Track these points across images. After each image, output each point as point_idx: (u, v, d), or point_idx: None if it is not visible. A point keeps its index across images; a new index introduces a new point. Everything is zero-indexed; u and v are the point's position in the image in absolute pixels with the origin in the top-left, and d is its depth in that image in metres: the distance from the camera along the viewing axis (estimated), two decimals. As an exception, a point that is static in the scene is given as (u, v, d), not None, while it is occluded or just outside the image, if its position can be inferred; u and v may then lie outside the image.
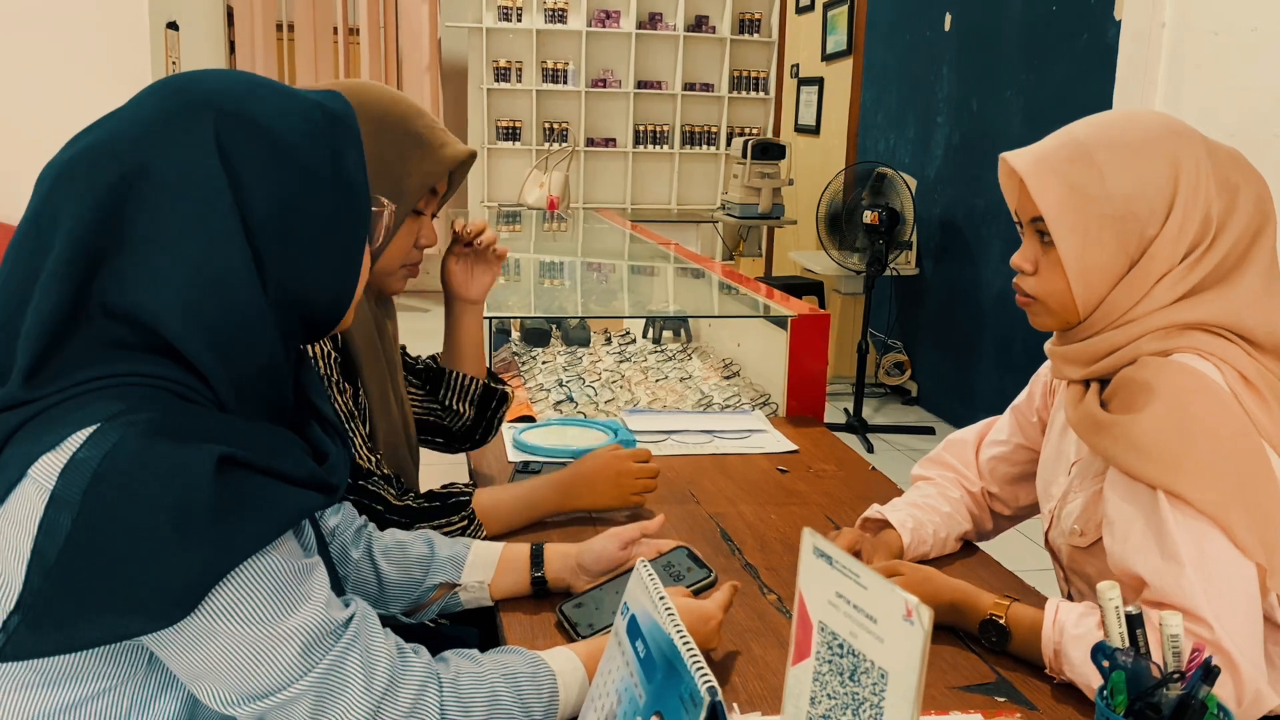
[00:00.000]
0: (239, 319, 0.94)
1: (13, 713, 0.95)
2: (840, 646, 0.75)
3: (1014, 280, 1.38)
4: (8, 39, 4.78)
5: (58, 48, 4.79)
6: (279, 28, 7.84)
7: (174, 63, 5.30)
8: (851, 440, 4.98)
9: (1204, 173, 1.26)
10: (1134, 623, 0.95)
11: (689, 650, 0.83)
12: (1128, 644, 0.94)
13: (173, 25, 5.30)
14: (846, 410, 5.27)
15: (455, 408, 1.80)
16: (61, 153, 0.96)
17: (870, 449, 4.92)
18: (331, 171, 1.01)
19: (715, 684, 0.78)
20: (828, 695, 0.76)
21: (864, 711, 0.72)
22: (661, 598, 0.91)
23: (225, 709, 0.96)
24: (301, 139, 0.99)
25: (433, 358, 1.86)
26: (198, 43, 5.86)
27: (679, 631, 0.86)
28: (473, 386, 1.81)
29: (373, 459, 1.51)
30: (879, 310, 6.00)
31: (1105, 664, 0.93)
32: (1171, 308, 1.27)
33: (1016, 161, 1.31)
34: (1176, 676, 0.90)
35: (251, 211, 0.95)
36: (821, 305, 6.21)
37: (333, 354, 1.49)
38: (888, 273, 5.35)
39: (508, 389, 1.87)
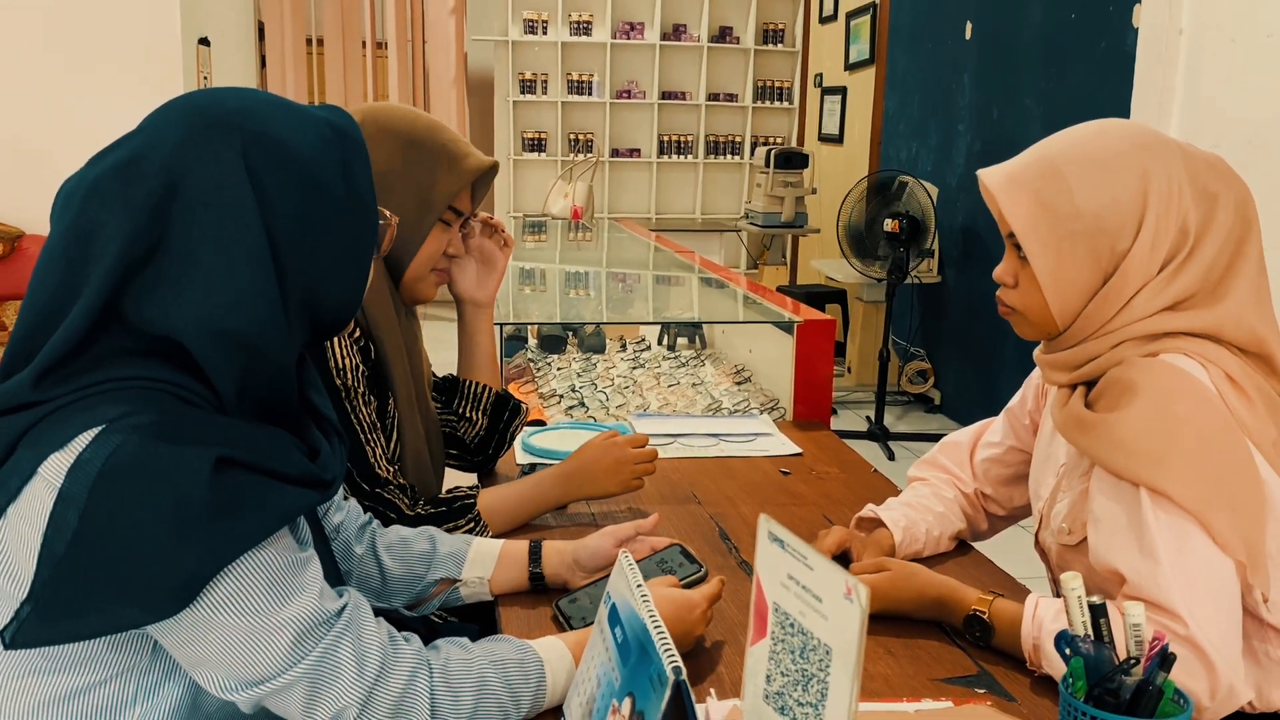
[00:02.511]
0: (258, 331, 0.99)
1: (25, 696, 1.00)
2: (791, 625, 0.78)
3: (996, 293, 1.41)
4: (44, 55, 4.89)
5: (92, 63, 4.90)
6: (309, 42, 7.97)
7: (205, 78, 5.40)
8: (873, 448, 5.00)
9: (1178, 184, 1.27)
10: (1097, 612, 0.98)
11: (659, 634, 0.87)
12: (1090, 632, 0.97)
13: (204, 41, 5.40)
14: (869, 418, 5.28)
15: (469, 415, 1.83)
16: (86, 170, 1.00)
17: (891, 457, 4.92)
18: (344, 187, 1.05)
19: (680, 664, 0.82)
20: (781, 673, 0.80)
21: (812, 686, 0.75)
22: (639, 585, 0.95)
23: (225, 695, 1.00)
24: (317, 156, 1.03)
25: (448, 376, 1.90)
26: (229, 58, 5.96)
27: (652, 616, 0.90)
28: (485, 395, 1.84)
29: (391, 469, 1.56)
30: (902, 318, 6.01)
31: (1067, 651, 0.96)
32: (1154, 318, 1.28)
33: (989, 179, 1.33)
34: (1133, 663, 0.93)
35: (276, 227, 1.00)
36: (845, 314, 6.23)
37: (360, 367, 1.54)
38: (910, 280, 5.36)
39: (523, 406, 1.89)
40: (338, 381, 1.51)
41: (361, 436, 1.53)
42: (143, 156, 0.99)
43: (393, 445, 1.63)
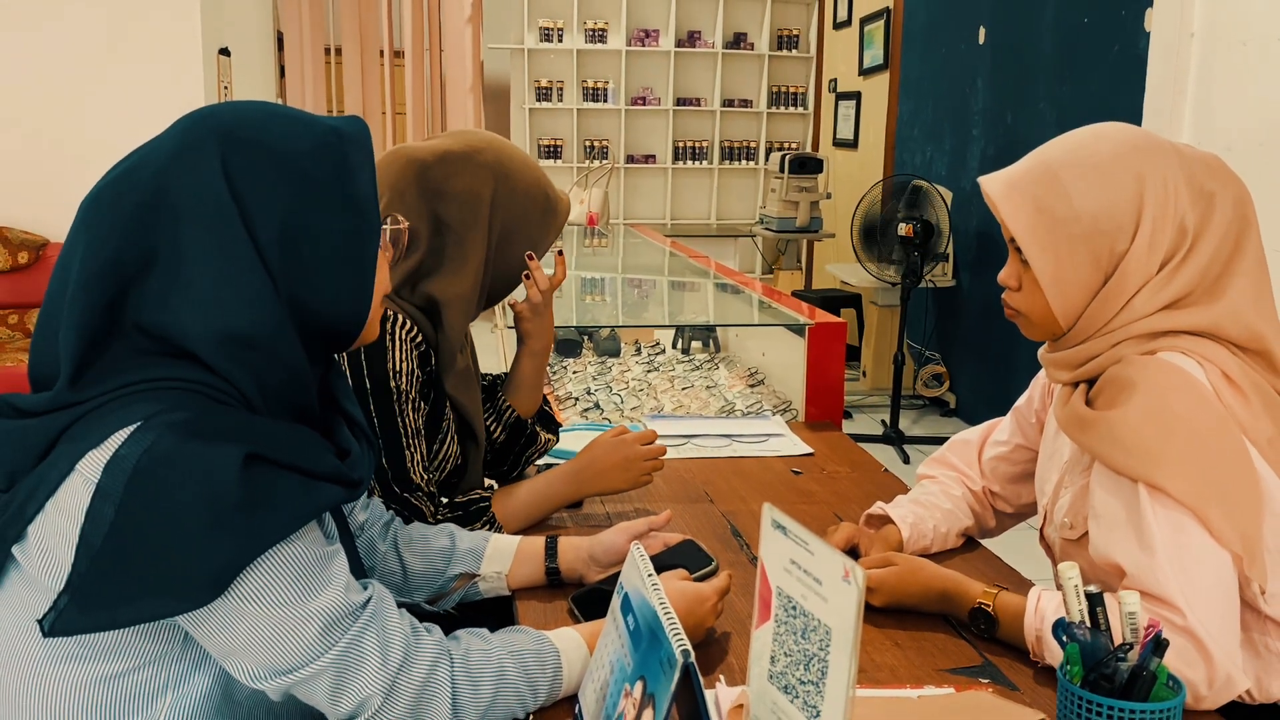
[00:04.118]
0: (259, 333, 1.02)
1: (62, 683, 1.04)
2: (794, 608, 0.82)
3: (1002, 296, 1.44)
4: (67, 67, 4.97)
5: (115, 74, 4.98)
6: (327, 51, 8.03)
7: (226, 87, 5.47)
8: (888, 451, 5.02)
9: (1174, 184, 1.30)
10: (1094, 601, 1.01)
11: (669, 620, 0.91)
12: (1087, 620, 1.00)
13: (225, 51, 5.47)
14: (884, 421, 5.31)
15: (490, 428, 1.87)
16: (98, 184, 1.05)
17: (906, 460, 4.94)
18: (340, 190, 1.07)
19: (689, 648, 0.86)
20: (784, 653, 0.83)
21: (813, 665, 0.79)
22: (650, 575, 0.99)
23: (254, 683, 1.04)
24: (309, 160, 1.06)
25: (499, 376, 1.92)
26: (249, 68, 6.03)
27: (662, 604, 0.93)
28: (508, 413, 1.86)
29: (425, 477, 1.59)
30: (917, 322, 6.03)
31: (1064, 638, 0.99)
32: (1154, 316, 1.31)
33: (989, 185, 1.37)
34: (1127, 648, 0.96)
35: (261, 231, 1.03)
36: (860, 318, 6.25)
37: (416, 373, 1.58)
38: (924, 285, 5.39)
39: (542, 436, 1.90)
40: (393, 384, 1.54)
41: (404, 440, 1.56)
42: (139, 167, 1.04)
43: (446, 451, 1.67)
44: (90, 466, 0.97)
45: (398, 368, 1.55)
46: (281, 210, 1.04)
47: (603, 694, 1.02)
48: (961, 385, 5.83)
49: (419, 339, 1.60)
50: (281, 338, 1.04)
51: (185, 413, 0.99)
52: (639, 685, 0.91)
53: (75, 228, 1.04)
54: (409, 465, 1.56)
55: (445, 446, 1.66)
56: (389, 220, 1.15)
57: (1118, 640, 1.00)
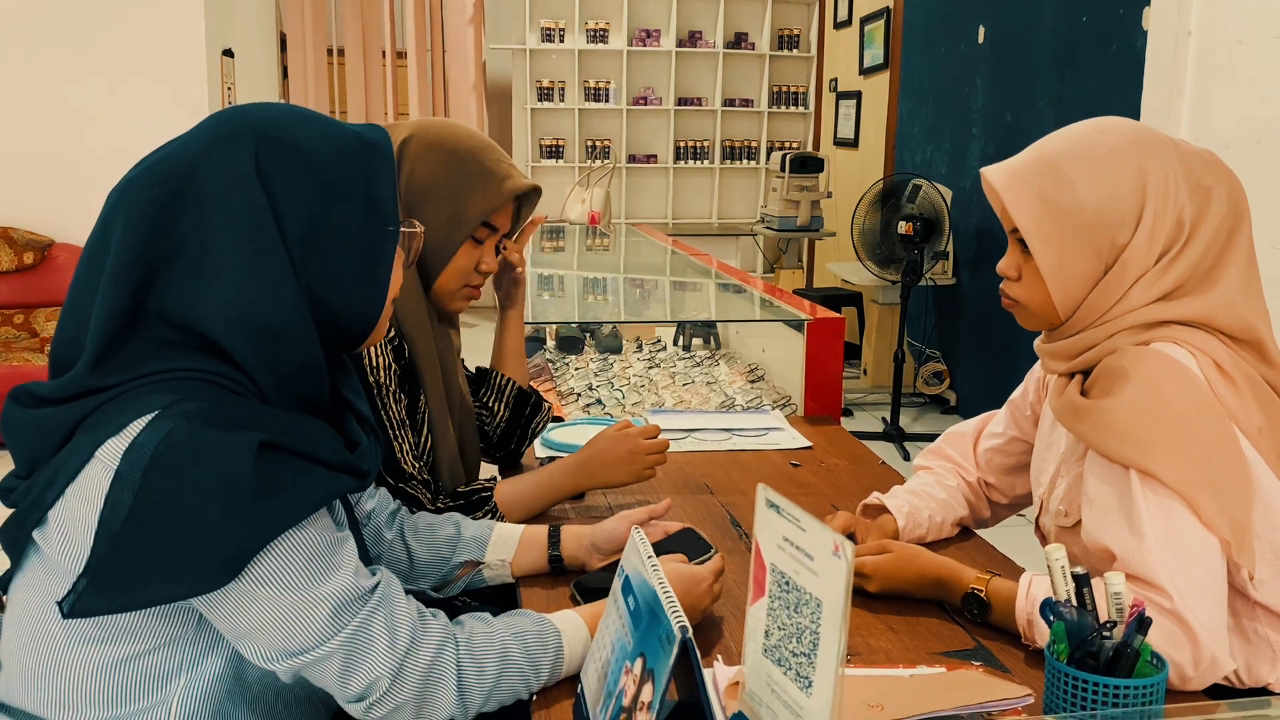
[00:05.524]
0: (280, 323, 1.06)
1: (80, 663, 1.07)
2: (787, 584, 0.85)
3: (1000, 286, 1.47)
4: (71, 68, 5.01)
5: (119, 75, 5.02)
6: (330, 53, 8.07)
7: (229, 88, 5.51)
8: (889, 449, 5.05)
9: (1173, 179, 1.33)
10: (1080, 581, 1.04)
11: (668, 598, 0.94)
12: (1073, 600, 1.03)
13: (228, 52, 5.51)
14: (884, 419, 5.34)
15: (493, 407, 1.91)
16: (129, 173, 1.09)
17: (907, 457, 4.97)
18: (363, 192, 1.11)
19: (687, 624, 0.89)
20: (778, 627, 0.87)
21: (805, 638, 0.82)
22: (649, 556, 1.02)
23: (266, 665, 1.08)
24: (335, 161, 1.10)
25: (479, 368, 1.98)
26: (252, 69, 6.07)
27: (661, 584, 0.97)
28: (508, 387, 1.92)
29: (416, 465, 1.63)
30: (917, 320, 6.06)
31: (1051, 618, 1.02)
32: (1148, 307, 1.34)
33: (992, 176, 1.40)
34: (1111, 626, 0.99)
35: (288, 225, 1.06)
36: (860, 316, 6.28)
37: (393, 366, 1.61)
38: (924, 283, 5.41)
39: (545, 401, 1.96)
40: (370, 379, 1.58)
41: (390, 432, 1.60)
42: (169, 159, 1.07)
43: (423, 441, 1.70)
44: (109, 454, 1.00)
45: (374, 363, 1.59)
46: (308, 207, 1.07)
47: (604, 673, 1.05)
48: (962, 382, 5.86)
49: (390, 332, 1.63)
50: (301, 330, 1.07)
51: (201, 402, 1.02)
52: (639, 662, 0.94)
53: (107, 215, 1.07)
54: (399, 455, 1.60)
55: (424, 435, 1.70)
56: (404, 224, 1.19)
57: (1103, 619, 1.03)
